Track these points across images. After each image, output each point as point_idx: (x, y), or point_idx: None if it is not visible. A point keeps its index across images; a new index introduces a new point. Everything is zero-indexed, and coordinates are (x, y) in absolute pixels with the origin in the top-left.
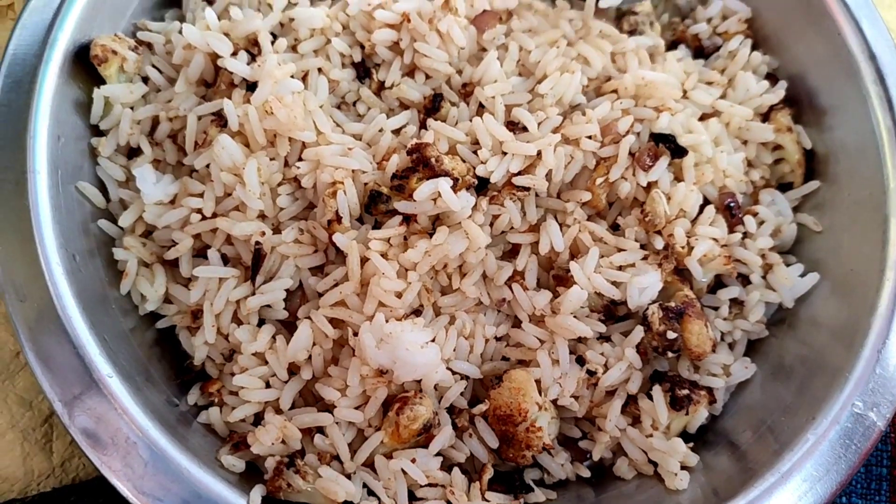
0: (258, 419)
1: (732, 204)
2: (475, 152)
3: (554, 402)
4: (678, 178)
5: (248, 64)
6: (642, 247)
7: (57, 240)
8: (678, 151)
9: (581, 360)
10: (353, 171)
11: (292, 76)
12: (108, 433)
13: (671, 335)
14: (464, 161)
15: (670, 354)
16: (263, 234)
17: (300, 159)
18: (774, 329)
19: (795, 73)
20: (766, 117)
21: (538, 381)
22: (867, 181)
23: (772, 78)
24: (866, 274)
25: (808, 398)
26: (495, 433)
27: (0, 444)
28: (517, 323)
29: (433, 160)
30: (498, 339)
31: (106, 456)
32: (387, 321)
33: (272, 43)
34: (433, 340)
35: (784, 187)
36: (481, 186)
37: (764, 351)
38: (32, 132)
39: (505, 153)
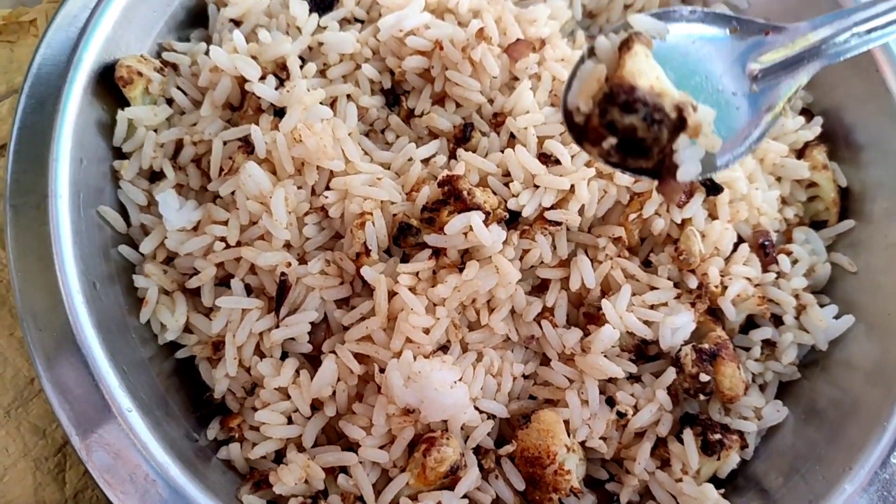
0: (279, 456)
1: (766, 243)
2: (506, 184)
3: (582, 443)
4: (712, 216)
5: (277, 88)
6: (675, 285)
7: (77, 267)
8: (714, 189)
9: (611, 402)
10: (381, 201)
11: (321, 102)
12: (126, 469)
13: (704, 378)
14: (495, 193)
15: (702, 397)
16: (289, 264)
17: (328, 188)
18: (806, 371)
19: (830, 108)
20: (801, 153)
21: (566, 422)
22: None
23: (807, 113)
24: None
25: (843, 445)
26: (522, 475)
27: (11, 473)
28: (545, 361)
29: (465, 193)
30: (526, 377)
31: (124, 494)
32: (415, 358)
33: (301, 67)
34: (461, 379)
35: (817, 225)
36: (512, 220)
37: (795, 393)
38: (55, 155)
39: (537, 186)
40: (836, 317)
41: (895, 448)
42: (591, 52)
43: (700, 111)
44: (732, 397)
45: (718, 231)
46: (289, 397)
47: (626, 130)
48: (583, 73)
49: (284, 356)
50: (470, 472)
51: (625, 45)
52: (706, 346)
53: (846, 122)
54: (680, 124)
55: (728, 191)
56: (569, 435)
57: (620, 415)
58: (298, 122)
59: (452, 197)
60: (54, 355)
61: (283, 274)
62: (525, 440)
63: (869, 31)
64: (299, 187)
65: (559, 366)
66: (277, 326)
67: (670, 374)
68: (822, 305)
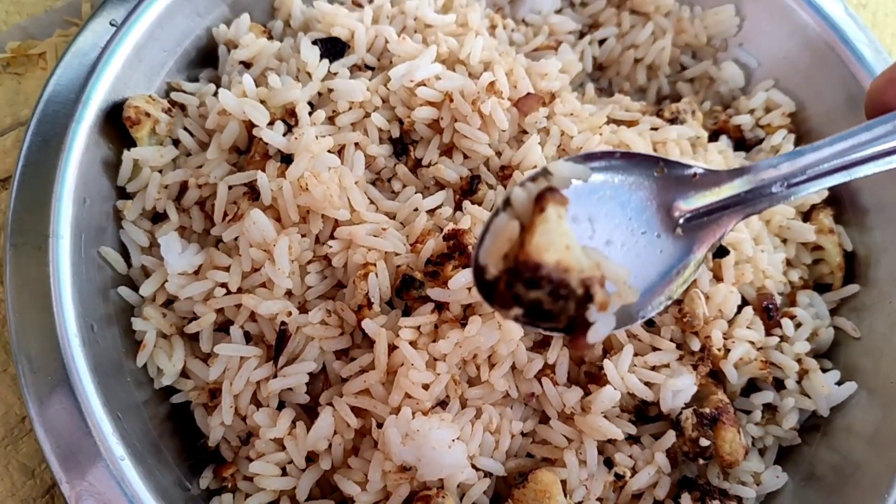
0: None
1: (771, 306)
2: None
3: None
4: (717, 277)
5: (285, 135)
6: (678, 346)
7: (76, 309)
8: (720, 251)
9: (609, 463)
10: (385, 252)
11: (329, 150)
12: None
13: (704, 442)
14: None
15: (701, 461)
16: (290, 313)
17: (332, 237)
18: (807, 436)
19: None
20: (807, 216)
21: (563, 482)
22: None
23: None
24: None
25: None
26: None
27: None
28: (545, 418)
29: (470, 248)
30: (524, 434)
31: None
32: (413, 415)
33: (310, 114)
34: (459, 437)
35: (821, 288)
36: None
37: (795, 459)
38: (58, 195)
39: None
40: (839, 382)
41: None
42: (507, 204)
43: (612, 272)
44: (732, 462)
45: (723, 294)
46: (284, 448)
47: (532, 302)
48: (496, 228)
49: (281, 406)
50: None
51: (538, 205)
52: (707, 410)
53: (851, 186)
54: (587, 297)
55: (733, 252)
56: (566, 496)
57: (618, 476)
58: (306, 170)
59: (457, 251)
60: (47, 398)
61: (283, 323)
62: (521, 500)
63: (789, 186)
64: (303, 235)
65: (558, 424)
66: (275, 376)
67: (670, 437)
68: (824, 370)
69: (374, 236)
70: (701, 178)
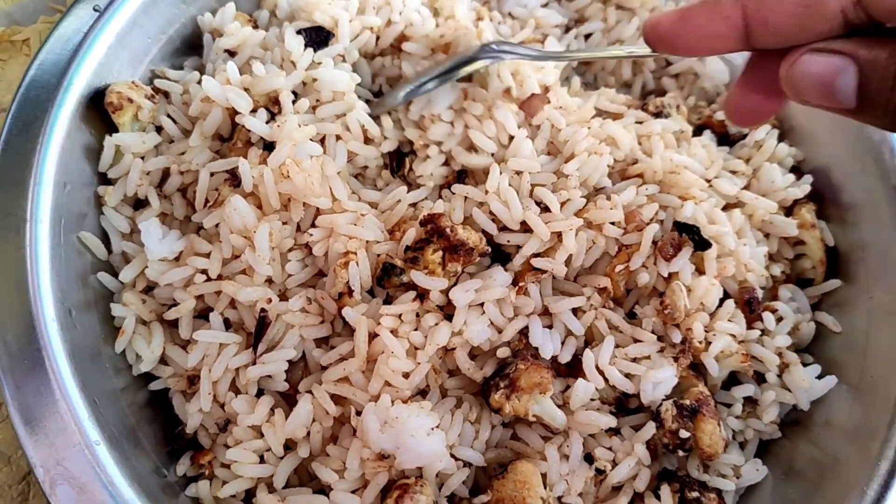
0: (249, 495)
1: (753, 300)
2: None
3: (559, 498)
4: (699, 270)
5: (267, 122)
6: (659, 338)
7: (54, 294)
8: (702, 244)
9: (590, 458)
10: (367, 241)
11: (312, 139)
12: None
13: (684, 434)
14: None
15: (681, 453)
16: (270, 300)
17: (313, 225)
18: (787, 430)
19: (820, 167)
20: (789, 211)
21: (544, 476)
22: (890, 286)
23: (797, 171)
24: (885, 381)
25: None
26: None
27: None
28: None
29: (448, 230)
30: (505, 425)
31: None
32: (392, 403)
33: (293, 103)
34: (438, 426)
35: (803, 283)
36: (497, 257)
37: (775, 452)
38: (38, 179)
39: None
40: (819, 377)
41: None
42: None
43: None
44: (712, 454)
45: (705, 286)
46: (262, 436)
47: None
48: None
49: (260, 393)
50: None
51: None
52: (687, 402)
53: (834, 182)
54: None
55: (716, 246)
56: (546, 488)
57: (599, 472)
58: (287, 157)
59: (436, 235)
60: (24, 383)
61: (262, 310)
62: (500, 490)
63: None
64: (284, 223)
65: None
66: (255, 363)
67: (650, 429)
68: (805, 364)
69: (355, 225)
70: None
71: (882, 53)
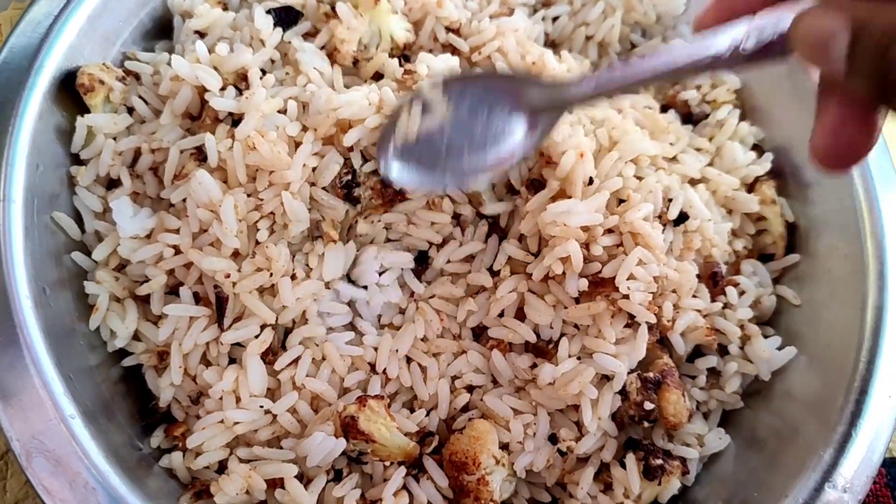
0: (222, 466)
1: (716, 274)
2: None
3: (528, 470)
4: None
5: (236, 98)
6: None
7: (28, 272)
8: (680, 217)
9: (553, 439)
10: None
11: (279, 111)
12: (66, 477)
13: (648, 406)
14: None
15: (646, 424)
16: (229, 275)
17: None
18: (749, 400)
19: (780, 145)
20: (750, 188)
21: (506, 445)
22: (847, 260)
23: (758, 149)
24: (843, 351)
25: (782, 474)
26: (448, 479)
27: None
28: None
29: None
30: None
31: (63, 502)
32: None
33: (261, 79)
34: None
35: (764, 258)
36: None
37: (738, 422)
38: (10, 160)
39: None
40: (779, 348)
41: (829, 476)
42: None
43: None
44: (676, 424)
45: (687, 270)
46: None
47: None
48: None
49: (232, 363)
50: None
51: None
52: (651, 374)
53: (795, 161)
54: None
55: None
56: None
57: (562, 453)
58: (253, 129)
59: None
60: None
61: (216, 286)
62: (455, 444)
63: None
64: (249, 195)
65: (510, 399)
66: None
67: (616, 402)
68: (766, 336)
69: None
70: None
71: None
